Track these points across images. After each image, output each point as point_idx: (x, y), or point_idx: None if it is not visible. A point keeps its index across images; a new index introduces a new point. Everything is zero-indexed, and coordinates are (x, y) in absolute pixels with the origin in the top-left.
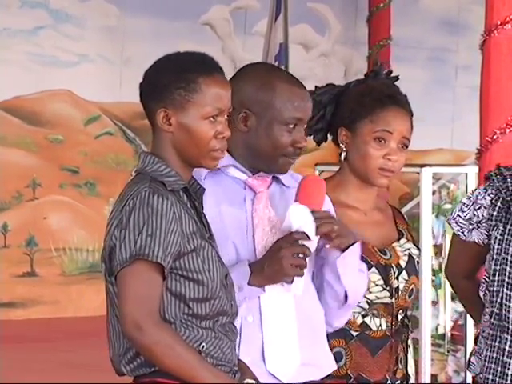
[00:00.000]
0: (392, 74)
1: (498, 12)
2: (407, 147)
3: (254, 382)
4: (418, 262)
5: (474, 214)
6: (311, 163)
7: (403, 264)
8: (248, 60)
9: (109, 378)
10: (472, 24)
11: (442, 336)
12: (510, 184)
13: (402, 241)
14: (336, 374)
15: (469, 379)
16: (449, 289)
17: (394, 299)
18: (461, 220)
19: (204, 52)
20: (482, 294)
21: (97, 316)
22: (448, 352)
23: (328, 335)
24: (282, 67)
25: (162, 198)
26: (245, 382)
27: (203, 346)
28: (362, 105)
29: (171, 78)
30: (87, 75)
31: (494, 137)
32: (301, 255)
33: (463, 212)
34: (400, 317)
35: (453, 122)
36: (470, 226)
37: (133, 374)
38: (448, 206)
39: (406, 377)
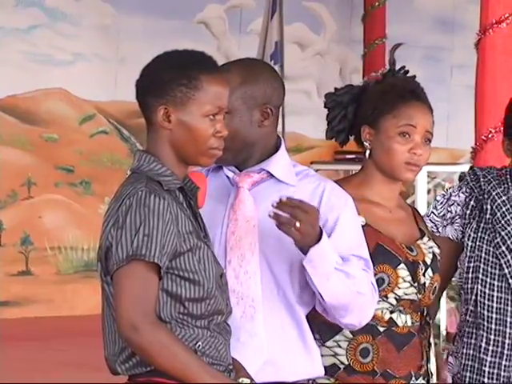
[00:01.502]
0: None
1: (493, 11)
2: (431, 141)
3: (248, 381)
4: (439, 260)
5: (448, 211)
6: (307, 161)
7: (428, 261)
8: None
9: (104, 377)
10: (467, 23)
11: (437, 335)
12: (482, 183)
13: (425, 239)
14: (362, 369)
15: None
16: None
17: (420, 295)
18: (435, 217)
19: (202, 50)
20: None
21: (92, 315)
22: (443, 351)
23: (354, 332)
24: (278, 66)
25: (158, 197)
26: (239, 380)
27: (199, 346)
28: (384, 101)
29: (173, 75)
30: (82, 74)
31: (489, 135)
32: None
33: (437, 209)
34: (423, 314)
35: (448, 120)
36: (444, 222)
37: (128, 374)
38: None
39: (429, 373)
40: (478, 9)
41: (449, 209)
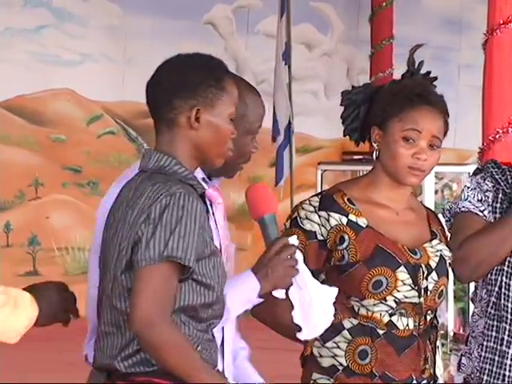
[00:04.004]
0: (395, 73)
1: (501, 11)
2: (439, 147)
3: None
4: (449, 263)
5: (485, 195)
6: (314, 162)
7: (433, 264)
8: (250, 59)
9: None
10: (475, 23)
11: (445, 335)
12: (509, 177)
13: (435, 242)
14: (361, 371)
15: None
16: (451, 288)
17: (422, 299)
18: (473, 201)
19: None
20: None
21: None
22: (451, 351)
23: (353, 334)
24: (287, 66)
25: (195, 200)
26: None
27: (199, 348)
28: (392, 104)
29: (202, 76)
30: (90, 74)
31: (497, 136)
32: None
33: (472, 196)
34: (429, 317)
35: (455, 121)
36: (484, 206)
37: (128, 371)
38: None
39: (434, 377)
40: (486, 9)
41: (485, 194)
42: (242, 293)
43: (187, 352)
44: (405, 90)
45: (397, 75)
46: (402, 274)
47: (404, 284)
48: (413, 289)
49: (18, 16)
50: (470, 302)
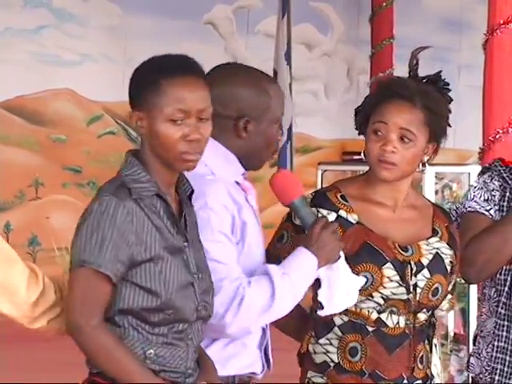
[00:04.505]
0: (395, 73)
1: (501, 11)
2: (411, 140)
3: None
4: (451, 262)
5: (492, 195)
6: (314, 162)
7: (425, 262)
8: (250, 59)
9: None
10: (475, 23)
11: (445, 336)
12: None
13: (433, 239)
14: (351, 368)
15: (470, 379)
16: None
17: (411, 296)
18: (479, 201)
19: (183, 54)
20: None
21: None
22: (451, 352)
23: (345, 330)
24: (288, 66)
25: (119, 206)
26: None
27: (150, 353)
28: (369, 102)
29: (140, 81)
30: (90, 74)
31: (497, 136)
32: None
33: (478, 196)
34: (424, 316)
35: (455, 121)
36: (488, 207)
37: (90, 370)
38: (451, 206)
39: (430, 377)
40: (486, 9)
41: (492, 194)
42: (305, 269)
43: (119, 357)
44: (379, 87)
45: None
46: (389, 270)
47: (391, 281)
48: (401, 285)
49: (18, 16)
50: (471, 302)
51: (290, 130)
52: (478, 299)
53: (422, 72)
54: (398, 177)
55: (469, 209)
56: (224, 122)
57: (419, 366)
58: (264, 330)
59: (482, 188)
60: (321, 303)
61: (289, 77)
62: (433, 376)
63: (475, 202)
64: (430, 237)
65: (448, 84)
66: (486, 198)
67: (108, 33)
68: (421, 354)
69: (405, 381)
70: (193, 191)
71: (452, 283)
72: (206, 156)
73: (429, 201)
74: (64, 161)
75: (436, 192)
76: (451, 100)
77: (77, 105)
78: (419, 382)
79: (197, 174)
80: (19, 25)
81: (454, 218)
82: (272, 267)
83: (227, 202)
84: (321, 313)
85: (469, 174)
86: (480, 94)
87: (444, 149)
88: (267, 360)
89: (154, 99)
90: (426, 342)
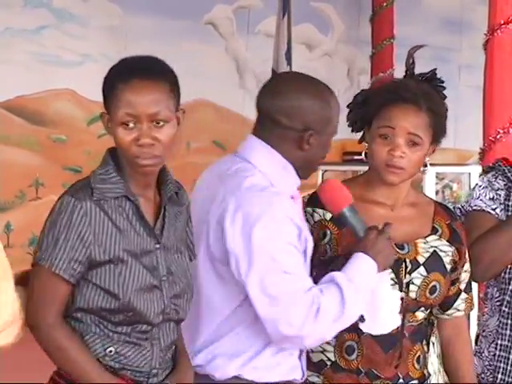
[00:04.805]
0: (395, 73)
1: (502, 11)
2: (418, 144)
3: None
4: (452, 259)
5: (497, 194)
6: None
7: (421, 260)
8: (251, 59)
9: None
10: (475, 23)
11: None
12: None
13: (431, 237)
14: (348, 367)
15: None
16: (472, 285)
17: (403, 294)
18: (485, 200)
19: (149, 56)
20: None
21: None
22: None
23: (342, 329)
24: (288, 66)
25: (76, 206)
26: None
27: (111, 351)
28: (373, 104)
29: (105, 83)
30: (90, 75)
31: (498, 136)
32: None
33: (484, 194)
34: (423, 314)
35: (456, 121)
36: (494, 205)
37: None
38: (451, 206)
39: (427, 377)
40: (486, 9)
41: (497, 193)
42: (367, 274)
43: (74, 356)
44: (381, 89)
45: (397, 75)
46: None
47: None
48: (395, 283)
49: (18, 16)
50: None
51: None
52: (481, 299)
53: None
54: (404, 180)
55: (474, 207)
56: (286, 133)
57: (415, 366)
58: None
59: (486, 187)
60: (362, 316)
61: None
62: (429, 374)
63: (481, 200)
64: (429, 235)
65: (443, 82)
66: (491, 196)
67: (108, 33)
68: (418, 354)
69: (400, 380)
70: (177, 193)
71: (465, 281)
72: (263, 165)
73: (431, 198)
74: (64, 161)
75: (436, 192)
76: (445, 97)
77: (77, 105)
78: (415, 381)
79: (257, 186)
80: (19, 25)
81: (458, 217)
82: (337, 274)
83: (292, 214)
84: (362, 326)
85: (469, 174)
86: (480, 94)
87: (444, 149)
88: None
89: (112, 102)
90: (424, 342)
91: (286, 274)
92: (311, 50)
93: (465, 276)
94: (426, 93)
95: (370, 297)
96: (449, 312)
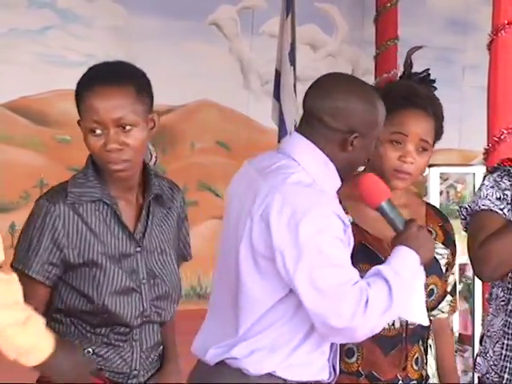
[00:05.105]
0: (399, 74)
1: (506, 12)
2: (427, 150)
3: None
4: (447, 262)
5: (504, 194)
6: None
7: None
8: (255, 60)
9: None
10: (479, 24)
11: None
12: None
13: None
14: (348, 369)
15: (477, 379)
16: (456, 288)
17: None
18: (492, 199)
19: (113, 62)
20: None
21: None
22: (456, 352)
23: None
24: (292, 66)
25: (49, 210)
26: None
27: (89, 351)
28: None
29: (75, 91)
30: None
31: (502, 136)
32: None
33: (491, 194)
34: None
35: (460, 121)
36: (503, 204)
37: None
38: (455, 207)
39: (425, 378)
40: (491, 10)
41: (504, 192)
42: (411, 266)
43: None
44: (391, 92)
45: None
46: None
47: None
48: None
49: (23, 17)
50: (476, 303)
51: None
52: (487, 299)
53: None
54: (408, 185)
55: (482, 207)
56: (331, 134)
57: (414, 367)
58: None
59: (493, 187)
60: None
61: (292, 77)
62: (428, 377)
63: (488, 200)
64: None
65: (434, 81)
66: (499, 196)
67: (112, 33)
68: (416, 356)
69: (400, 382)
70: (158, 195)
71: (451, 284)
72: (307, 162)
73: (422, 200)
74: (69, 161)
75: (441, 192)
76: (435, 89)
77: None
78: (414, 382)
79: (303, 182)
80: (23, 25)
81: (463, 217)
82: (383, 268)
83: (338, 210)
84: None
85: (474, 174)
86: (485, 95)
87: (449, 149)
88: (333, 368)
89: (81, 110)
90: (421, 343)
91: (334, 267)
92: (315, 50)
93: (452, 279)
94: (430, 97)
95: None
96: (433, 313)
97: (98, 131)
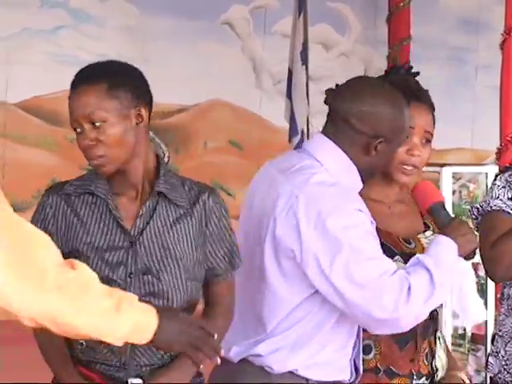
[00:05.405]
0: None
1: None
2: (430, 142)
3: (139, 381)
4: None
5: None
6: None
7: None
8: (267, 59)
9: None
10: (492, 23)
11: (463, 335)
12: None
13: (428, 233)
14: (366, 366)
15: (489, 379)
16: None
17: None
18: (504, 199)
19: (95, 63)
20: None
21: None
22: (468, 351)
23: (359, 327)
24: (304, 66)
25: (47, 199)
26: (133, 380)
27: (82, 343)
28: None
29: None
30: None
31: None
32: None
33: (503, 194)
34: None
35: (473, 121)
36: None
37: None
38: (468, 206)
39: (434, 371)
40: (503, 9)
41: None
42: (449, 255)
43: (48, 356)
44: (394, 86)
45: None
46: (398, 263)
47: None
48: None
49: (35, 17)
50: (488, 302)
51: (307, 130)
52: (498, 299)
53: (440, 73)
54: (412, 180)
55: (494, 207)
56: (356, 137)
57: (425, 361)
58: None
59: (505, 187)
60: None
61: (304, 76)
62: (437, 369)
63: (500, 200)
64: (425, 230)
65: (418, 74)
66: (510, 196)
67: (125, 33)
68: (426, 350)
69: (414, 376)
70: (163, 193)
71: None
72: (330, 163)
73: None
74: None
75: (453, 192)
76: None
77: None
78: (424, 377)
79: (327, 182)
80: (36, 25)
81: (474, 217)
82: (423, 256)
83: (363, 207)
84: (457, 323)
85: (486, 174)
86: (497, 94)
87: (461, 149)
88: (356, 368)
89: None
90: (431, 336)
91: (369, 260)
92: (328, 50)
93: None
94: (424, 89)
95: (462, 290)
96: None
97: (79, 130)
